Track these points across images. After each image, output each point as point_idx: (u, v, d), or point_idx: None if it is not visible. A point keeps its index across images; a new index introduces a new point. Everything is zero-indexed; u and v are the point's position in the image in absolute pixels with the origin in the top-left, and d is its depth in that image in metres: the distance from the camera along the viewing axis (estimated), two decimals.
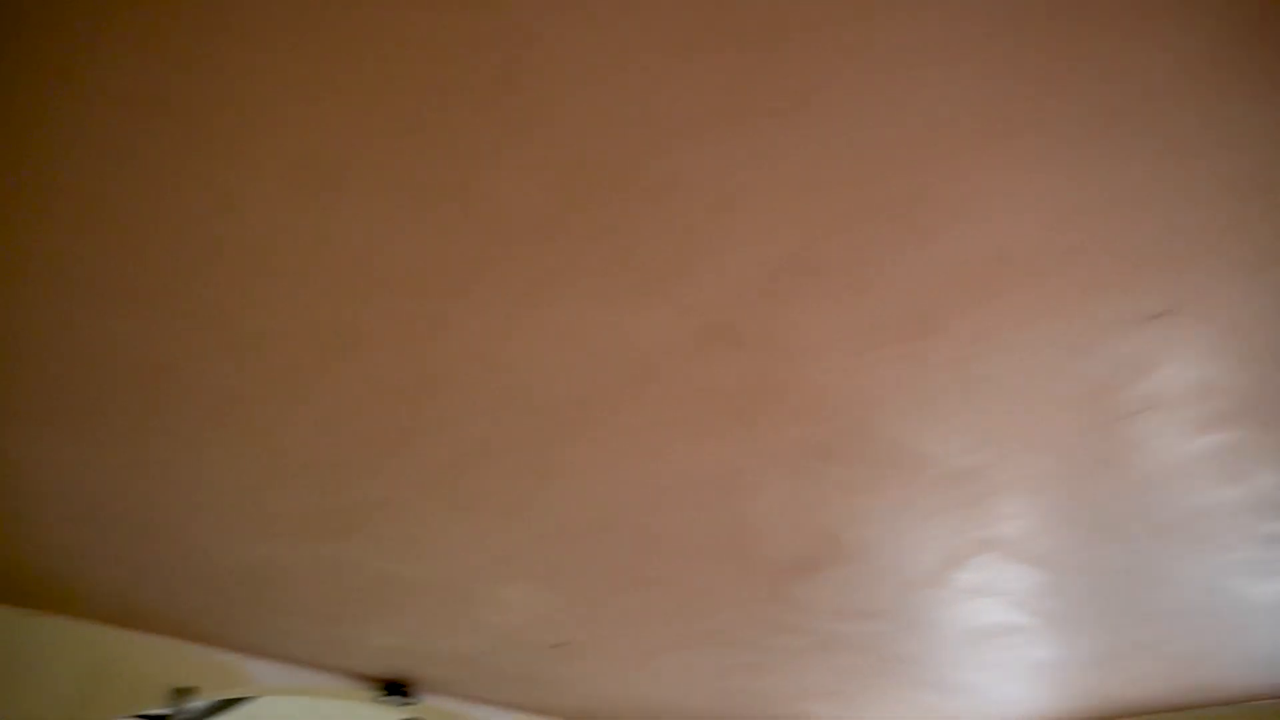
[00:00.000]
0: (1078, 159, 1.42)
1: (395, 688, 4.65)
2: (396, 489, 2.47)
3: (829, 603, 3.07)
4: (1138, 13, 1.21)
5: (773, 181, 1.45)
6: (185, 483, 2.54)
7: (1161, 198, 1.49)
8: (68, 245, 1.66)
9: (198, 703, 4.76)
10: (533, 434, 2.16)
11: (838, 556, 2.73)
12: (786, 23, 1.23)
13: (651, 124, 1.36)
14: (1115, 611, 3.08)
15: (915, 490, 2.34)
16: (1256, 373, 1.86)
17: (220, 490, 2.56)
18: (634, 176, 1.45)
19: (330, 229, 1.60)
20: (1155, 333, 1.77)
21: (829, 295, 1.69)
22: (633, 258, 1.62)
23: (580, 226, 1.56)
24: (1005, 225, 1.54)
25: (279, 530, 2.80)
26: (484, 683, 4.54)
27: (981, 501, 2.40)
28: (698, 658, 3.73)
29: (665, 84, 1.30)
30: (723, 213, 1.51)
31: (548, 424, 2.11)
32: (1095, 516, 2.45)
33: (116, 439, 2.32)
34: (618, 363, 1.90)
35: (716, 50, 1.26)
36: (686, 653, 3.68)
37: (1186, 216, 1.52)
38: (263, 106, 1.38)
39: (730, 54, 1.26)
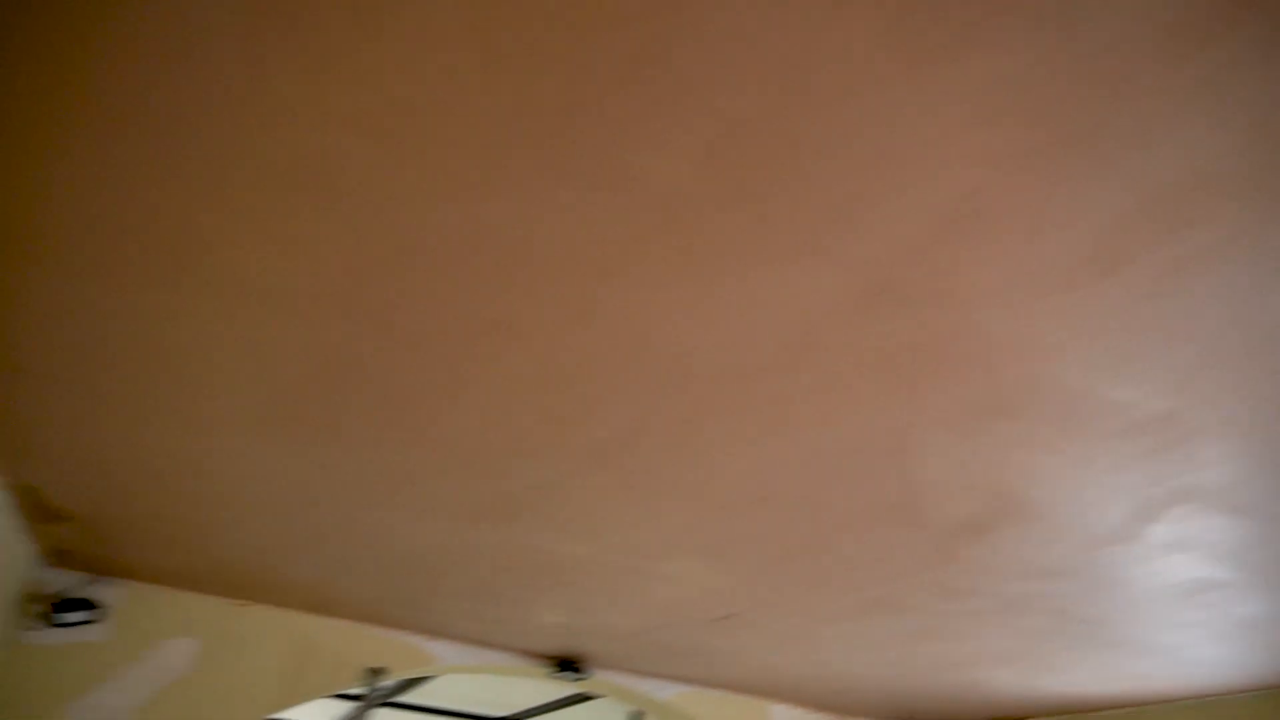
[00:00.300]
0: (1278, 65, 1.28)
1: (567, 664, 4.81)
2: (559, 471, 2.54)
3: (1006, 564, 2.94)
4: None
5: (938, 125, 1.37)
6: (365, 477, 2.69)
7: None
8: (251, 256, 1.78)
9: (388, 682, 5.08)
10: (692, 409, 2.16)
11: (1015, 515, 2.60)
12: None
13: (807, 83, 1.32)
14: None
15: (1100, 441, 2.20)
16: None
17: (396, 482, 2.70)
18: (791, 138, 1.41)
19: (483, 218, 1.64)
20: None
21: (1001, 240, 1.59)
22: (790, 220, 1.58)
23: (733, 194, 1.54)
24: (1200, 146, 1.41)
25: (452, 516, 2.93)
26: (651, 657, 4.63)
27: (1175, 449, 2.22)
28: (866, 626, 3.66)
29: (820, 39, 1.25)
30: (885, 163, 1.45)
31: (707, 398, 2.11)
32: None
33: (305, 442, 2.49)
34: (777, 330, 1.86)
35: None
36: (854, 622, 3.62)
37: None
38: (413, 101, 1.42)
39: None
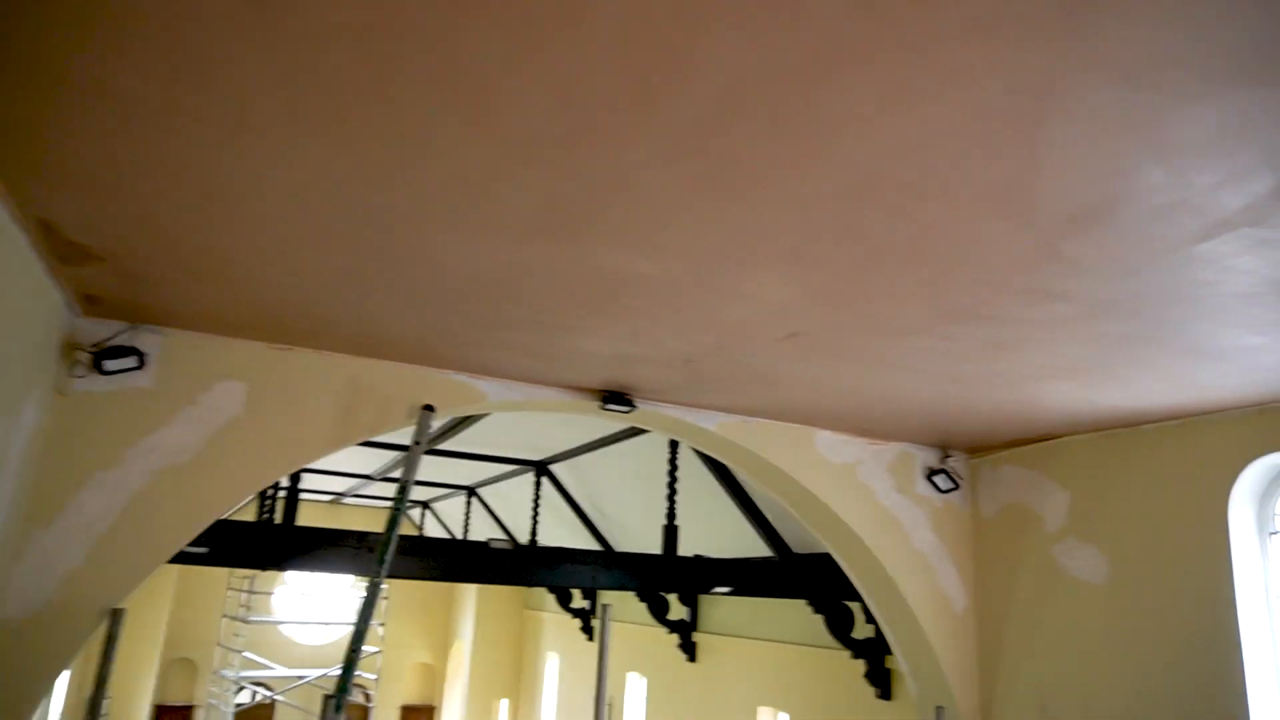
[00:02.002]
0: None
1: (616, 396, 4.80)
2: (635, 164, 2.26)
3: (1103, 264, 2.72)
4: None
5: None
6: (415, 183, 2.43)
7: None
8: None
9: (443, 421, 5.06)
10: (804, 66, 1.84)
11: (1129, 201, 2.35)
12: None
13: None
14: None
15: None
16: None
17: (448, 187, 2.44)
18: None
19: None
20: None
21: None
22: None
23: None
24: None
25: (508, 230, 2.70)
26: (700, 386, 4.60)
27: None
28: (940, 340, 3.53)
29: None
30: None
31: (826, 48, 1.78)
32: None
33: (348, 142, 2.20)
34: None
35: None
36: (927, 336, 3.48)
37: None
38: None
39: None
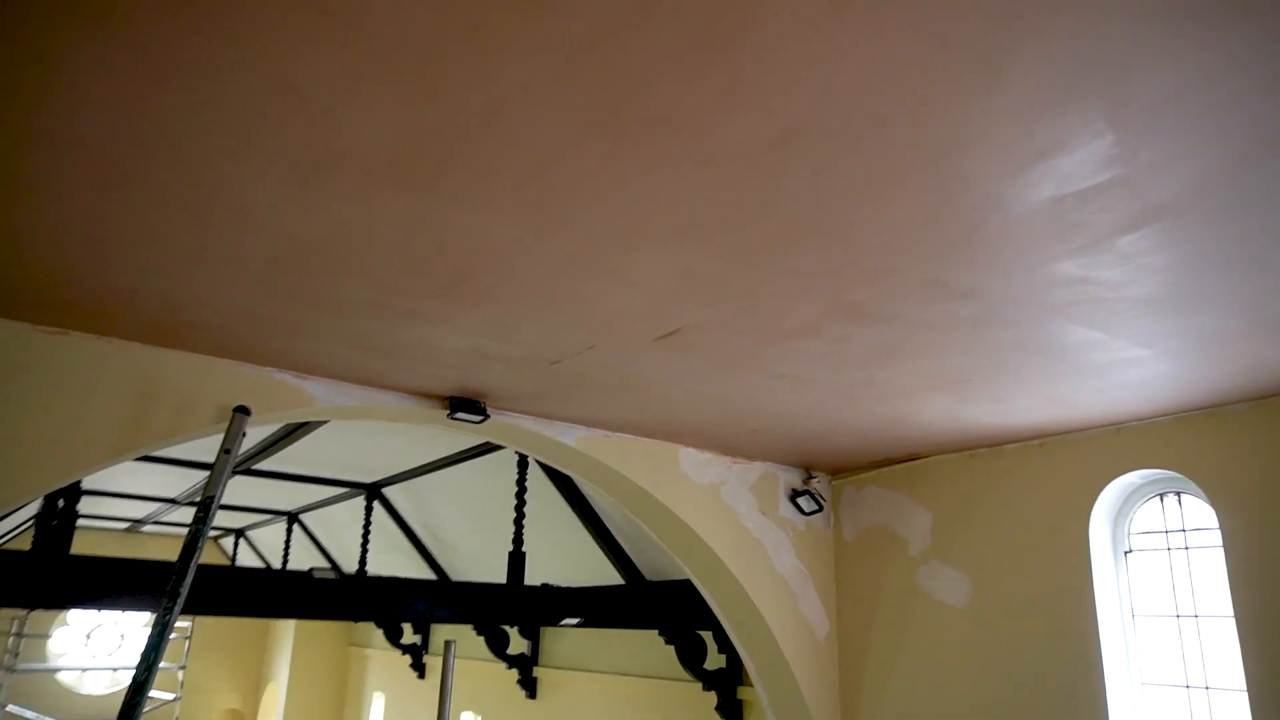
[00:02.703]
0: None
1: (467, 404, 4.27)
2: (513, 89, 1.81)
3: (1014, 251, 2.51)
4: None
5: None
6: (218, 102, 1.87)
7: None
8: None
9: (263, 432, 4.31)
10: None
11: (1048, 186, 2.14)
12: None
13: None
14: None
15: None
16: None
17: (266, 110, 1.90)
18: None
19: None
20: None
21: None
22: None
23: None
24: None
25: (347, 174, 2.17)
26: (567, 395, 4.16)
27: None
28: (829, 344, 3.26)
29: None
30: None
31: None
32: None
33: (129, 31, 1.62)
34: None
35: None
36: (816, 339, 3.21)
37: None
38: None
39: None
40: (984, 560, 4.76)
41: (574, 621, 6.67)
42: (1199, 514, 4.19)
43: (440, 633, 12.45)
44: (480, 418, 4.29)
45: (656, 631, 7.32)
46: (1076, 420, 4.28)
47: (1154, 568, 4.31)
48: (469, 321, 3.15)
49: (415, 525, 9.97)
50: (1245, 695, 3.69)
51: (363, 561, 9.32)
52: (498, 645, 10.14)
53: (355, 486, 9.35)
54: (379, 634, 14.24)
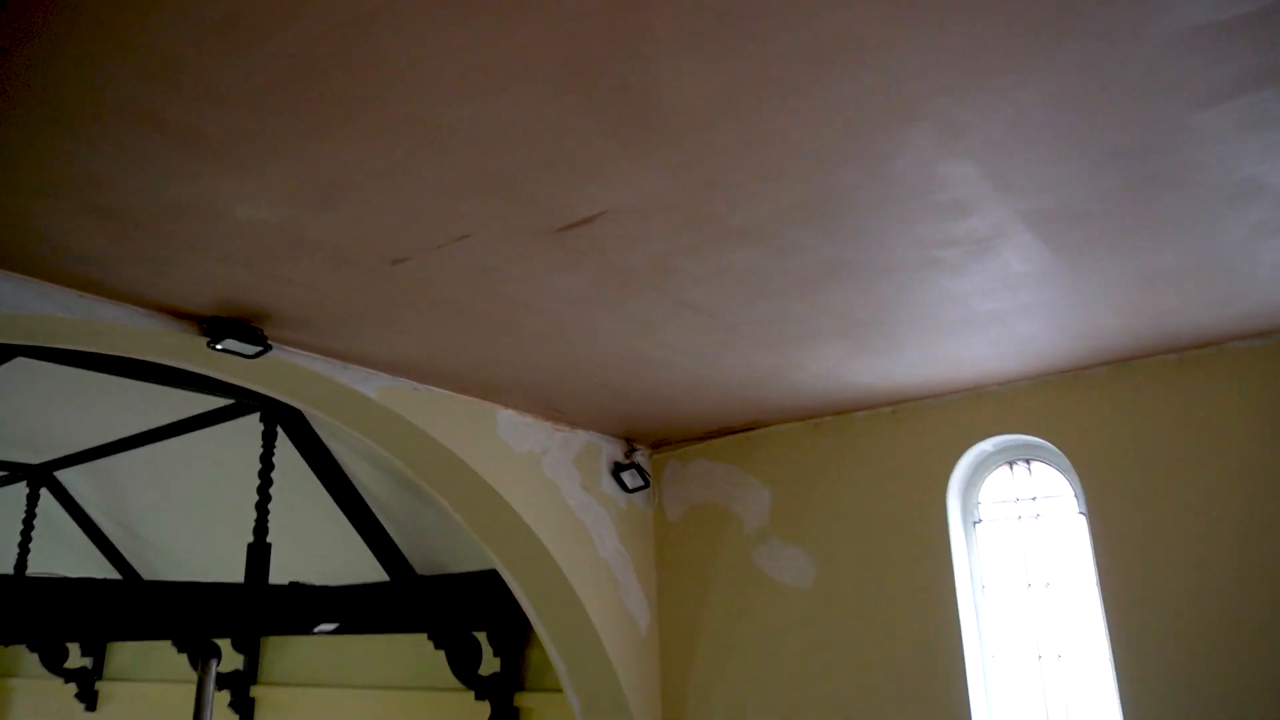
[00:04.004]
0: None
1: (239, 328, 3.09)
2: None
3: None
4: None
5: None
6: None
7: None
8: None
9: None
10: None
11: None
12: None
13: None
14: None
15: None
16: None
17: None
18: None
19: None
20: None
21: None
22: None
23: None
24: None
25: None
26: (384, 319, 3.14)
27: None
28: (768, 257, 2.61)
29: None
30: None
31: None
32: None
33: None
34: None
35: None
36: (757, 246, 2.54)
37: None
38: None
39: None
40: (830, 537, 4.39)
41: (330, 628, 5.45)
42: (1049, 482, 4.10)
43: (123, 652, 10.18)
44: (258, 349, 3.13)
45: (426, 636, 6.28)
46: (933, 385, 4.03)
47: (1002, 538, 4.17)
48: (297, 165, 2.09)
49: (99, 517, 7.97)
50: (1108, 661, 3.59)
51: (22, 564, 7.22)
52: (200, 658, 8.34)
53: (16, 469, 7.25)
54: (32, 659, 11.42)
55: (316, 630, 5.36)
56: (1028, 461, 4.19)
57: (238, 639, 8.52)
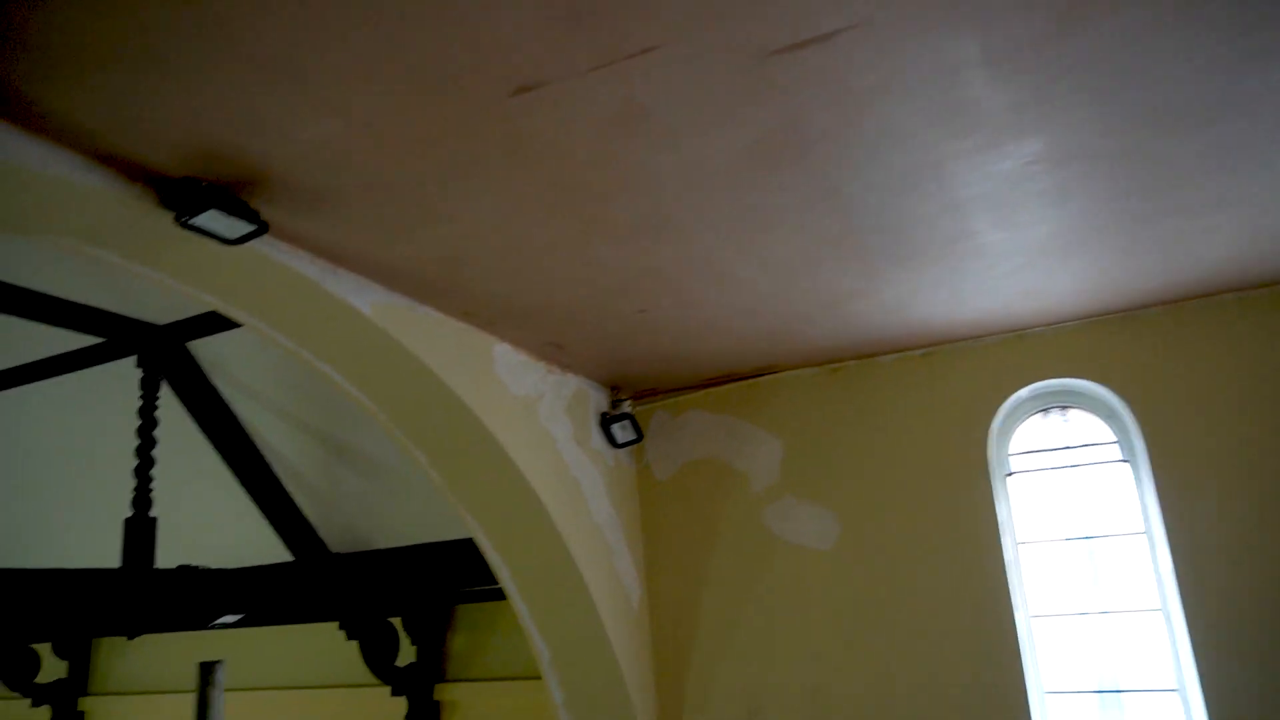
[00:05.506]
0: None
1: (221, 197, 2.21)
2: None
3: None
4: None
5: None
6: None
7: None
8: None
9: None
10: None
11: None
12: None
13: None
14: None
15: None
16: None
17: None
18: None
19: None
20: None
21: None
22: None
23: None
24: None
25: None
26: (390, 198, 2.36)
27: None
28: (743, 177, 2.10)
29: None
30: None
31: None
32: None
33: None
34: None
35: None
36: (730, 159, 2.03)
37: None
38: None
39: None
40: (855, 493, 3.98)
41: (233, 619, 4.45)
42: (1086, 430, 3.88)
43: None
44: (249, 228, 2.26)
45: (338, 625, 5.37)
46: (969, 326, 3.70)
47: (1036, 490, 3.91)
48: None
49: None
50: (1173, 613, 3.40)
51: None
52: (19, 672, 6.88)
53: None
54: None
55: (218, 623, 4.35)
56: (1064, 409, 3.95)
57: (57, 644, 7.10)
